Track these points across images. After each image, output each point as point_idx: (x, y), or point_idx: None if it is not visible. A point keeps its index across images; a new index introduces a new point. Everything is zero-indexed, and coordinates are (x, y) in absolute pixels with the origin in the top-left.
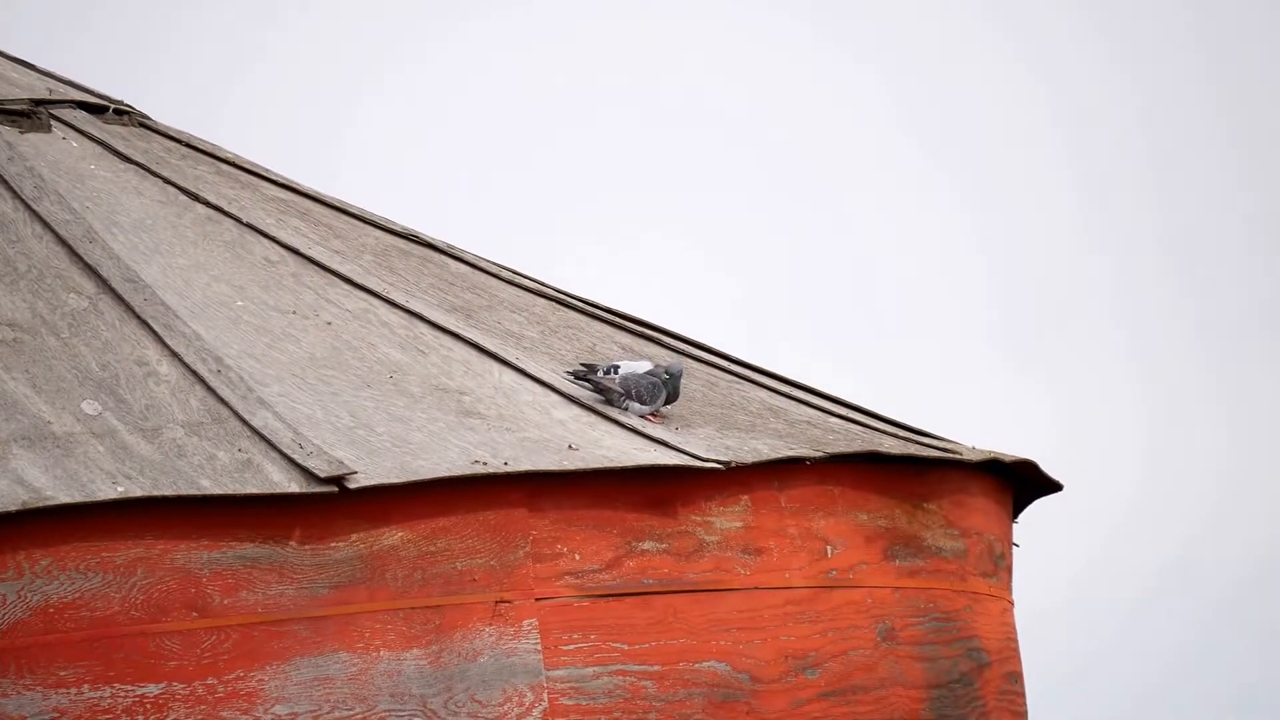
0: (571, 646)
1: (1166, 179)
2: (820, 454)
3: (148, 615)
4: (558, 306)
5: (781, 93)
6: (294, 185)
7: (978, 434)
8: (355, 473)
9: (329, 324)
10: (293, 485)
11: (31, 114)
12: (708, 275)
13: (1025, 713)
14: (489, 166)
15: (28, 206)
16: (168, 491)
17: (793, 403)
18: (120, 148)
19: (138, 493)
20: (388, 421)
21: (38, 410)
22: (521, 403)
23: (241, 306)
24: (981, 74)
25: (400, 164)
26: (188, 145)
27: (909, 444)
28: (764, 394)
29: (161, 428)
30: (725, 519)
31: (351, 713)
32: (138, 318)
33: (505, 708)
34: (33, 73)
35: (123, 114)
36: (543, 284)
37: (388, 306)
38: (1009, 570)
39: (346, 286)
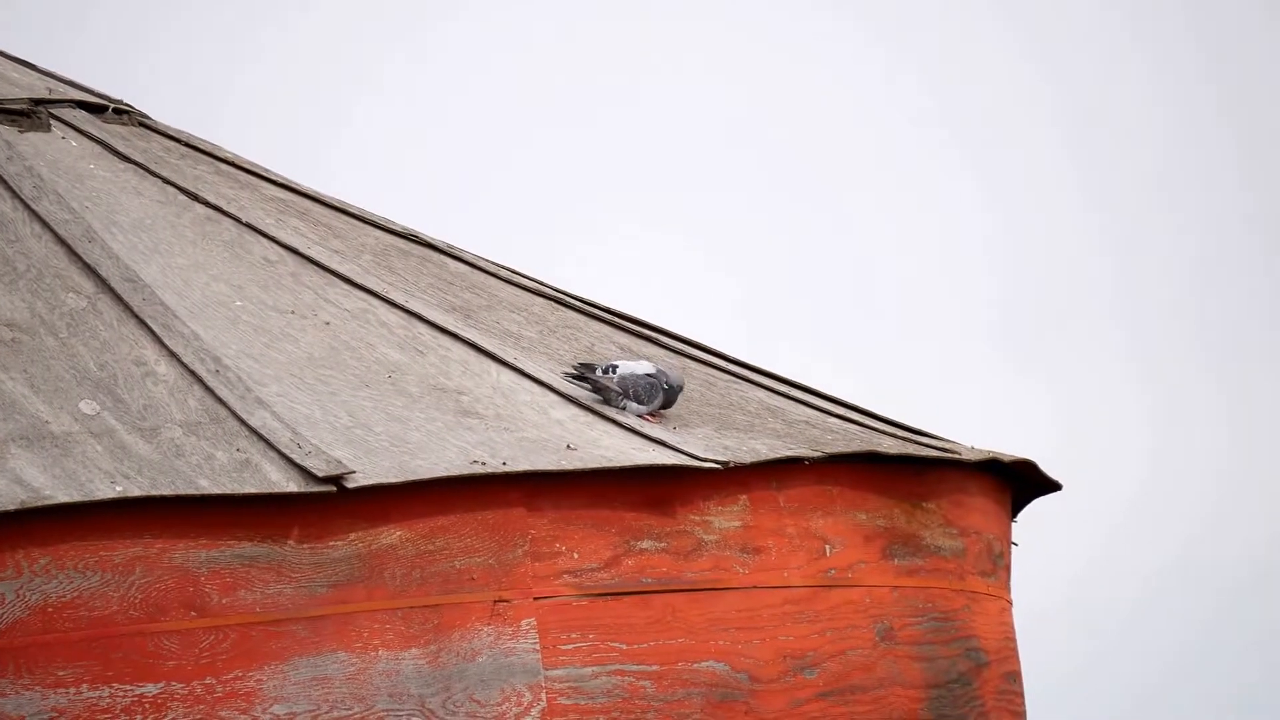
0: (570, 646)
1: (1168, 179)
2: (819, 454)
3: (146, 615)
4: (556, 306)
5: (781, 92)
6: (293, 185)
7: (978, 434)
8: (353, 472)
9: (327, 324)
10: (291, 485)
11: (31, 113)
12: (708, 275)
13: (1024, 712)
14: (489, 166)
15: (27, 206)
16: (166, 491)
17: (791, 402)
18: (119, 147)
19: (136, 492)
20: (386, 421)
21: (36, 410)
22: (520, 402)
23: (240, 306)
24: (982, 73)
25: (400, 164)
26: (187, 145)
27: (907, 444)
28: (762, 394)
29: (160, 427)
30: (724, 518)
31: (350, 712)
32: (136, 317)
33: (504, 707)
34: (32, 72)
35: (122, 113)
36: (541, 284)
37: (386, 306)
38: (1008, 570)
39: (345, 286)
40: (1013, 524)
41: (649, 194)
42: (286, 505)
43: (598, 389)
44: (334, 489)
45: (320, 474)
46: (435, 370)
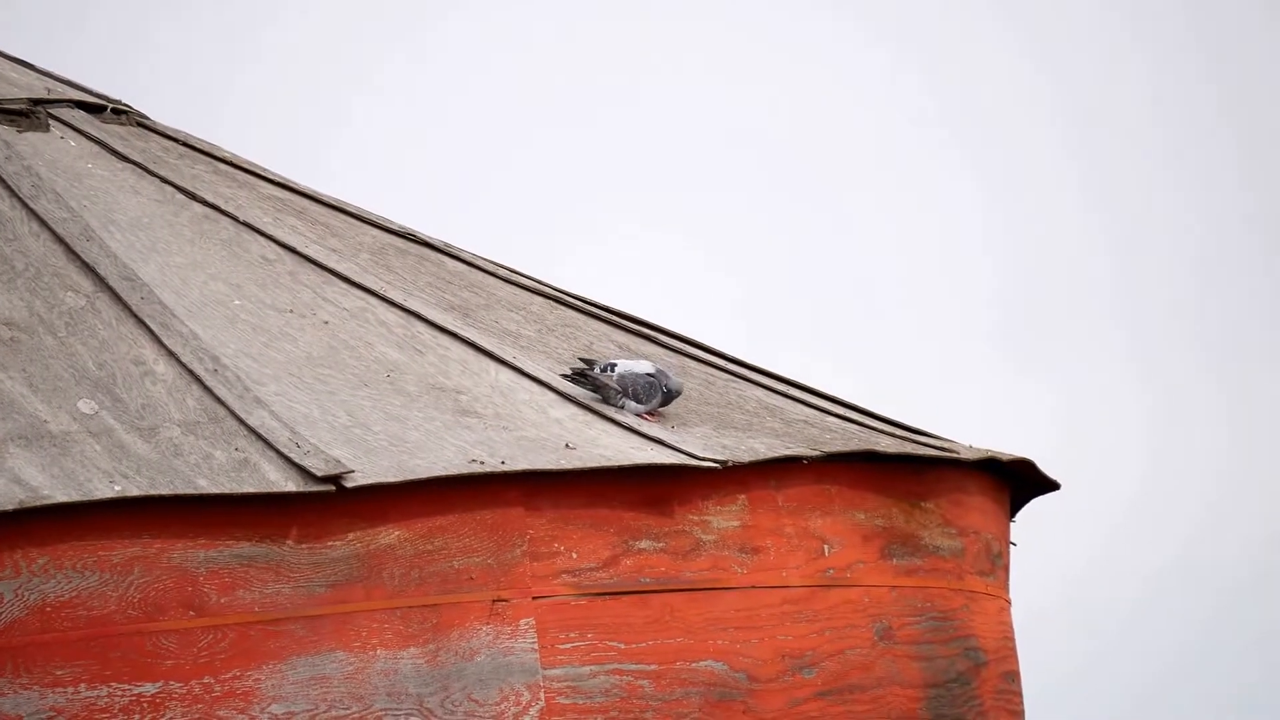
0: (568, 645)
1: (1168, 179)
2: (817, 453)
3: (144, 614)
4: (555, 305)
5: (781, 92)
6: (291, 184)
7: (978, 433)
8: (352, 471)
9: (326, 323)
10: (289, 484)
11: (30, 113)
12: (708, 275)
13: (1022, 712)
14: (489, 166)
15: (25, 205)
16: (164, 490)
17: (789, 402)
18: (118, 147)
19: (134, 492)
20: (384, 420)
21: (34, 409)
22: (518, 401)
23: (239, 305)
24: (981, 73)
25: (399, 164)
26: (185, 144)
27: (906, 443)
28: (761, 393)
29: (158, 427)
30: (722, 518)
31: (348, 712)
32: (135, 316)
33: (502, 707)
34: (31, 72)
35: (120, 113)
36: (540, 282)
37: (385, 305)
38: (1006, 569)
39: (344, 285)
40: (1011, 523)
41: (649, 194)
42: (285, 505)
43: (597, 388)
44: (333, 488)
45: (319, 473)
46: (434, 369)
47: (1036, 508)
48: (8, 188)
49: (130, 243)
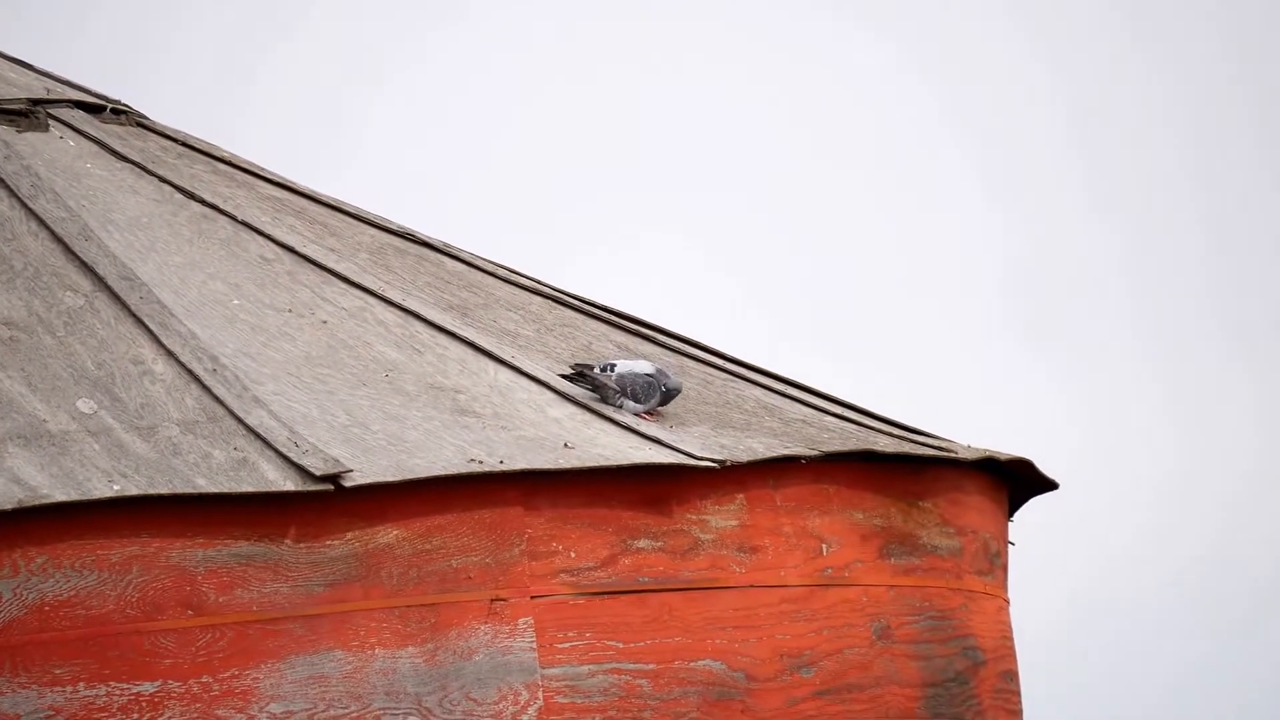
0: (567, 644)
1: (1177, 178)
2: (815, 453)
3: (143, 613)
4: (553, 305)
5: (782, 91)
6: (290, 184)
7: (989, 431)
8: (351, 471)
9: (324, 322)
10: (288, 483)
11: (29, 113)
12: (708, 275)
13: (1020, 711)
14: (489, 166)
15: (24, 204)
16: (163, 490)
17: (788, 401)
18: (117, 146)
19: (133, 491)
20: (383, 420)
21: (33, 409)
22: (517, 401)
23: (237, 305)
24: (985, 65)
25: (399, 164)
26: (184, 144)
27: (904, 442)
28: (759, 392)
29: (157, 426)
30: (720, 517)
31: (346, 711)
32: (133, 316)
33: (500, 706)
34: (30, 72)
35: (120, 113)
36: (539, 282)
37: (383, 305)
38: (1005, 569)
39: (342, 285)
40: (1010, 523)
41: (648, 194)
42: (284, 504)
43: (595, 387)
44: (331, 488)
45: (318, 473)
46: (432, 369)
47: (1046, 506)
48: (7, 187)
49: (129, 242)
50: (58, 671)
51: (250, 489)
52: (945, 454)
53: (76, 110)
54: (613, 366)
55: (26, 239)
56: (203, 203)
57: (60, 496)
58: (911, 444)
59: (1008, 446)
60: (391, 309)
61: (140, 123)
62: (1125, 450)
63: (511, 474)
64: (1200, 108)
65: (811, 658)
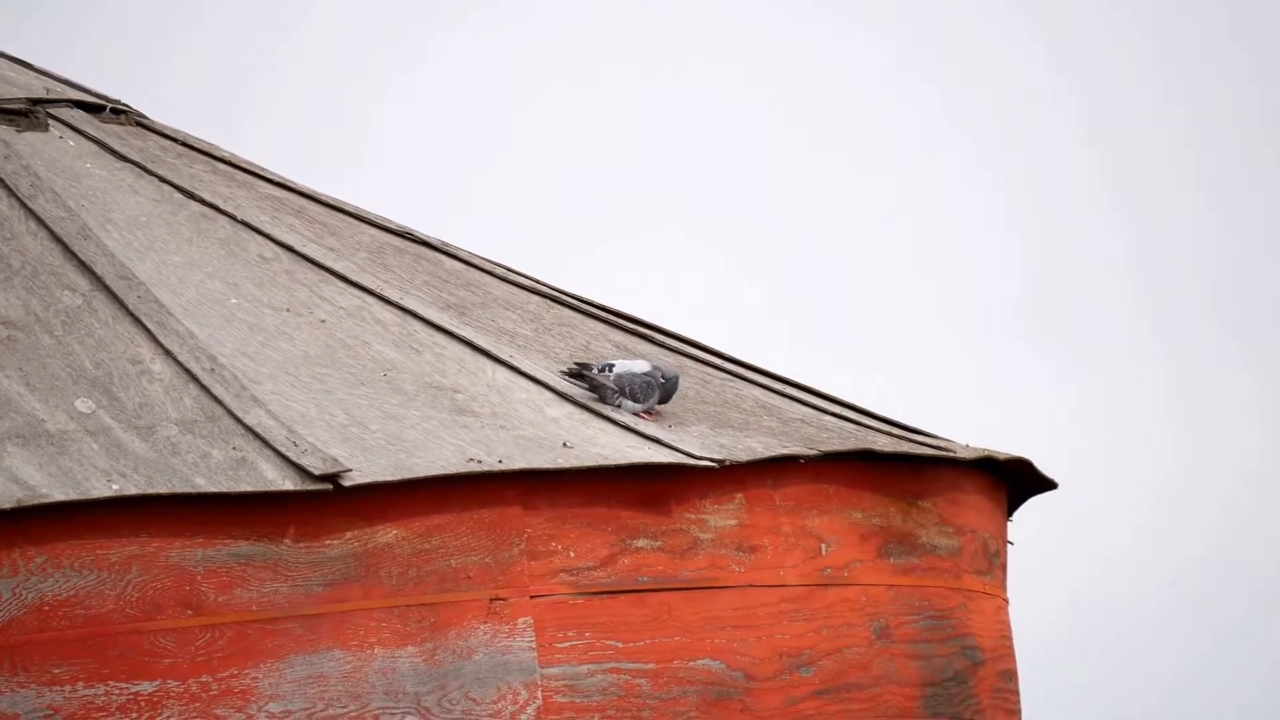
0: (566, 644)
1: (1179, 176)
2: (814, 452)
3: (142, 613)
4: (552, 304)
5: (782, 91)
6: (289, 183)
7: (985, 433)
8: (349, 470)
9: (323, 322)
10: (287, 483)
11: (29, 113)
12: (708, 275)
13: (1019, 711)
14: (487, 166)
15: (23, 204)
16: (162, 489)
17: (787, 401)
18: (116, 146)
19: (132, 491)
20: (382, 419)
21: (31, 408)
22: (515, 400)
23: (236, 304)
24: (985, 71)
25: (400, 164)
26: (183, 144)
27: (903, 442)
28: (758, 392)
29: (155, 426)
30: (719, 517)
31: (345, 710)
32: (131, 315)
33: (499, 705)
34: (30, 72)
35: (119, 113)
36: (537, 281)
37: (382, 304)
38: (1004, 568)
39: (341, 284)
40: (1009, 522)
41: (648, 194)
42: (283, 504)
43: (594, 388)
44: (330, 487)
45: (316, 472)
46: (431, 368)
47: (1046, 506)
48: (6, 187)
49: (127, 241)
50: (57, 671)
51: (249, 488)
52: (944, 453)
53: (76, 110)
54: (611, 366)
55: (25, 238)
56: (202, 202)
57: (59, 496)
58: (910, 443)
59: (1008, 446)
60: (390, 308)
61: (140, 122)
62: (1125, 450)
63: (510, 473)
64: (1202, 105)
65: (810, 657)
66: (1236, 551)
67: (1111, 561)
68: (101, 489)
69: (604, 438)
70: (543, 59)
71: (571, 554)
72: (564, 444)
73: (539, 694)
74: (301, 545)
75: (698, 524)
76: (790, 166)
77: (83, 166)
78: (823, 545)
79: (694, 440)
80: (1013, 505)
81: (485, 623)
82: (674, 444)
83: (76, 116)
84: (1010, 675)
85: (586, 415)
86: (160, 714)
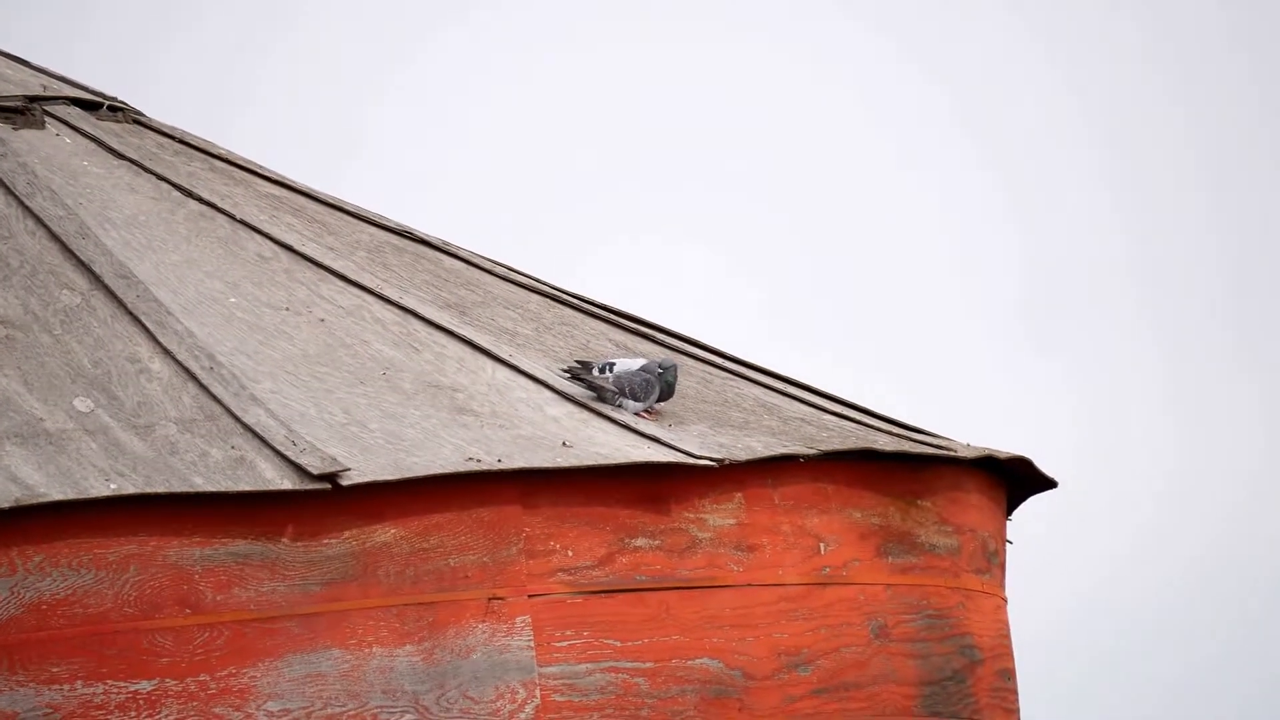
0: (564, 643)
1: (1180, 177)
2: (814, 451)
3: (140, 612)
4: (551, 303)
5: (783, 91)
6: (288, 182)
7: (985, 433)
8: (348, 470)
9: (322, 320)
10: (286, 482)
11: (26, 110)
12: (708, 274)
13: (1018, 710)
14: (488, 166)
15: (21, 203)
16: (160, 489)
17: (787, 400)
18: (114, 144)
19: (130, 490)
20: (381, 418)
21: (30, 407)
22: (515, 400)
23: (234, 303)
24: (989, 73)
25: (400, 164)
26: (181, 142)
27: (903, 441)
28: (758, 391)
29: (154, 425)
30: (718, 516)
31: (344, 709)
32: (130, 314)
33: (498, 704)
34: (27, 69)
35: (117, 110)
36: (537, 280)
37: (381, 303)
38: (1002, 567)
39: (340, 283)
40: (1008, 521)
41: (648, 194)
42: (281, 503)
43: (594, 388)
44: (329, 486)
45: (315, 471)
46: (430, 367)
47: (1046, 506)
48: (3, 185)
49: (126, 240)
50: (55, 670)
51: (247, 488)
52: (944, 453)
53: (73, 107)
54: (611, 366)
55: (23, 237)
56: (200, 200)
57: (57, 495)
58: (910, 443)
59: (1008, 446)
60: (389, 307)
61: (137, 120)
62: (1125, 450)
63: (509, 473)
64: (1202, 105)
65: (809, 656)
66: (1236, 551)
67: (1111, 561)
68: (100, 488)
69: (603, 437)
70: (542, 59)
71: (570, 553)
72: (563, 443)
73: (537, 693)
74: (300, 544)
75: (696, 523)
76: (790, 166)
77: (80, 164)
78: (821, 544)
79: (693, 439)
80: (1012, 505)
81: (483, 622)
82: (673, 443)
83: (73, 114)
84: (1008, 674)
85: (586, 414)
86: (159, 713)
